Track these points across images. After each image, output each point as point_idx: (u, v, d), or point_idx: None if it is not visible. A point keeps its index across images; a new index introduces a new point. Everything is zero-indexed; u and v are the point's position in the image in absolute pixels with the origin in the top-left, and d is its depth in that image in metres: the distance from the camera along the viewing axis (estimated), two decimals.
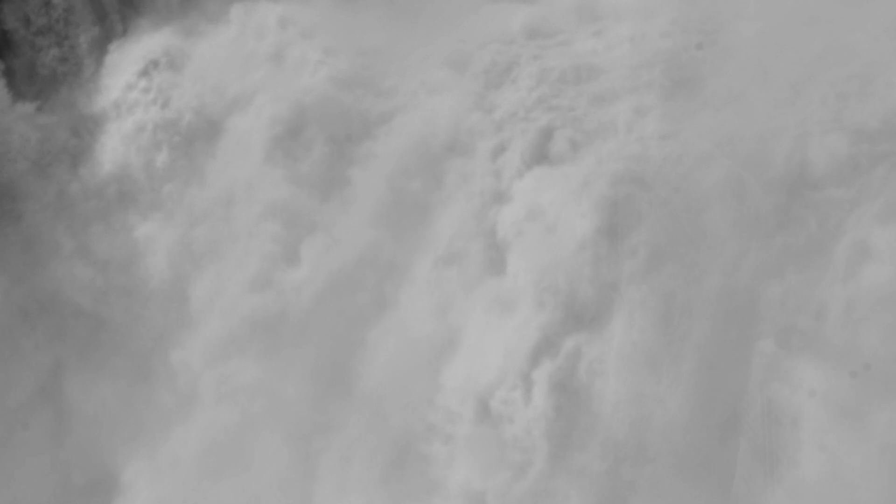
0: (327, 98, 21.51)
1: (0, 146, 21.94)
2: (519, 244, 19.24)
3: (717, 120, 18.05)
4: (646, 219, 17.96)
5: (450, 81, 21.04)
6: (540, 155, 19.79)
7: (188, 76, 22.46)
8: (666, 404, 16.90)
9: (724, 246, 17.20)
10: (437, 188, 20.16)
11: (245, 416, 19.82)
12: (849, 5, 18.42)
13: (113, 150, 22.19)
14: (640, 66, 19.57)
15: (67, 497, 20.96)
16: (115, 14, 23.31)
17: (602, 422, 17.69)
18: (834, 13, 18.42)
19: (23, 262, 21.57)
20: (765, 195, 17.25)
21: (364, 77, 21.65)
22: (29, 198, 21.90)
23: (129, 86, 22.66)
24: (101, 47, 23.08)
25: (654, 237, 17.75)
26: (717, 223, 17.43)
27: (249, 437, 19.69)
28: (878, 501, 14.68)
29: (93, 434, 20.84)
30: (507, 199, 19.68)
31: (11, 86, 22.61)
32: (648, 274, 17.55)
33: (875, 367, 15.04)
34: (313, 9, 22.74)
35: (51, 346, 21.34)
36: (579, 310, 18.46)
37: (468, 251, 19.57)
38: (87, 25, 23.02)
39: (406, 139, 20.73)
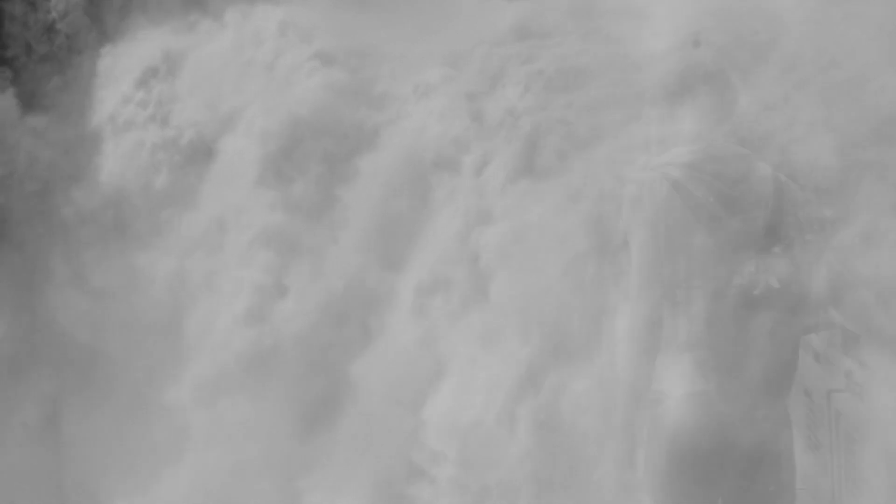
0: (322, 110, 20.43)
1: (5, 166, 21.44)
2: (503, 269, 17.89)
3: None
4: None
5: (442, 87, 19.73)
6: (525, 167, 18.32)
7: (188, 87, 21.62)
8: None
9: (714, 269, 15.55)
10: (424, 207, 18.93)
11: (236, 457, 19.09)
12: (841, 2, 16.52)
13: (109, 171, 21.30)
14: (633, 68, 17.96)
15: None
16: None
17: (588, 462, 16.35)
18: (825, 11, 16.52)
19: (26, 290, 21.20)
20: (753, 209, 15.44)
21: (358, 84, 20.50)
22: (28, 222, 21.44)
23: (125, 98, 21.72)
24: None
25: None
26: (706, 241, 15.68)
27: (239, 479, 18.95)
28: None
29: (88, 469, 20.30)
30: (491, 219, 18.32)
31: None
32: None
33: None
34: (313, 9, 21.59)
35: (51, 377, 20.88)
36: (566, 341, 17.07)
37: (452, 277, 18.30)
38: (91, 52, 22.47)
39: (394, 154, 19.49)
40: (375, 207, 19.25)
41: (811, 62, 17.17)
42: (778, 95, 16.76)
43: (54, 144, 21.61)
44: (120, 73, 21.76)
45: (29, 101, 22.16)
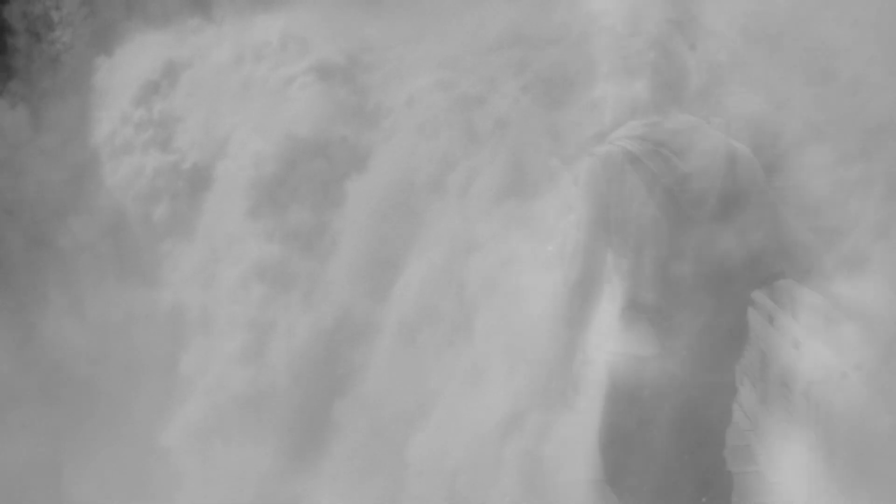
0: (315, 129, 19.41)
1: (14, 192, 20.80)
2: (489, 301, 16.52)
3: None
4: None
5: (434, 96, 18.47)
6: (511, 187, 16.87)
7: (187, 105, 20.73)
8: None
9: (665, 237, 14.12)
10: (411, 234, 17.68)
11: (228, 498, 18.24)
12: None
13: (107, 197, 20.67)
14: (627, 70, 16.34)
15: None
16: None
17: None
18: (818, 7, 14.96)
19: (21, 319, 20.55)
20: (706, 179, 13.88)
21: (352, 98, 19.47)
22: (25, 249, 20.76)
23: (123, 118, 20.91)
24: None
25: None
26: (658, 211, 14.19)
27: None
28: None
29: None
30: (476, 246, 16.93)
31: None
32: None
33: None
34: (312, 15, 20.49)
35: (52, 413, 20.26)
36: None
37: (438, 310, 17.01)
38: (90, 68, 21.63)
39: (384, 177, 18.35)
40: (364, 233, 18.17)
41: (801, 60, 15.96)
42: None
43: (64, 167, 20.99)
44: (118, 86, 20.93)
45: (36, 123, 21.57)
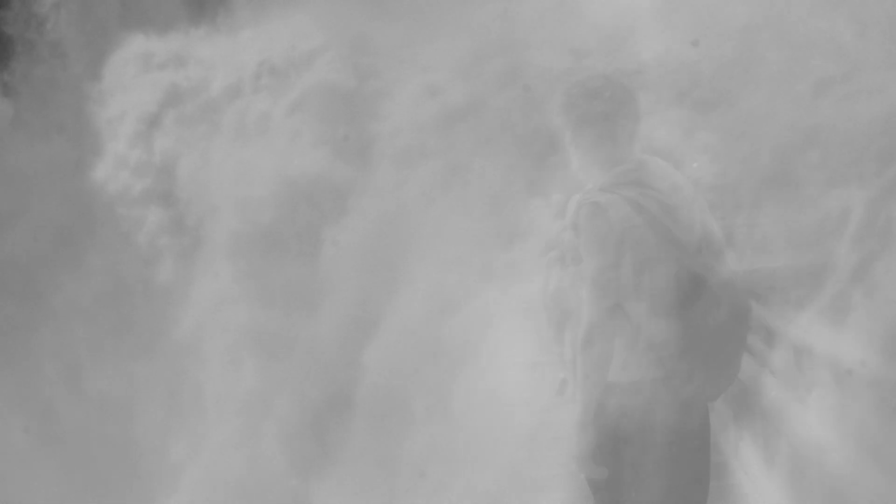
0: (315, 173, 17.47)
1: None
2: (467, 367, 14.07)
3: None
4: None
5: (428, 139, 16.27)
6: (492, 232, 14.25)
7: (196, 140, 19.11)
8: None
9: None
10: (395, 289, 15.37)
11: None
12: None
13: (103, 255, 18.97)
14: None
15: None
16: None
17: None
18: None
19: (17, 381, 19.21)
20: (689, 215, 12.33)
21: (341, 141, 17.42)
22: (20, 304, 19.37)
23: (119, 161, 19.20)
24: None
25: None
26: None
27: None
28: None
29: None
30: (454, 306, 14.42)
31: None
32: None
33: None
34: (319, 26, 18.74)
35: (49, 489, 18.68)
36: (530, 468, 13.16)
37: (414, 378, 14.58)
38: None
39: (368, 225, 16.13)
40: (348, 292, 16.05)
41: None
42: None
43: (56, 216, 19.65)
44: (116, 119, 19.40)
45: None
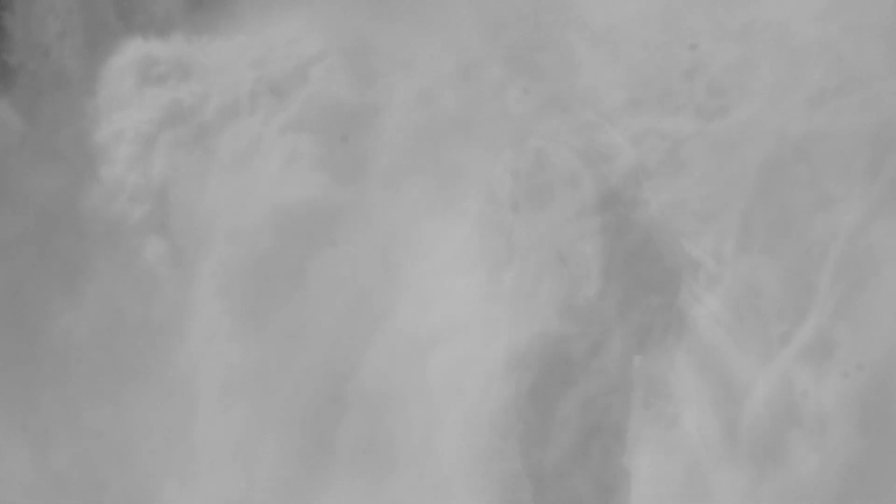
0: (311, 203, 17.29)
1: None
2: (453, 407, 13.79)
3: None
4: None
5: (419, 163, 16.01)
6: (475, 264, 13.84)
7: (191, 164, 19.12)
8: None
9: None
10: (375, 327, 15.08)
11: None
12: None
13: (98, 292, 18.75)
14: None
15: None
16: None
17: None
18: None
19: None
20: None
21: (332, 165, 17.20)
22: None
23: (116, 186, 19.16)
24: None
25: None
26: None
27: None
28: None
29: None
30: (441, 341, 14.07)
31: None
32: None
33: None
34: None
35: None
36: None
37: (396, 421, 14.28)
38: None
39: (364, 254, 15.89)
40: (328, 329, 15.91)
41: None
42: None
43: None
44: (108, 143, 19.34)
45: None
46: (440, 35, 17.18)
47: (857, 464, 12.50)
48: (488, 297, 13.72)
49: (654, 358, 13.37)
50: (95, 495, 18.44)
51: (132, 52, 19.22)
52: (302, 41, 18.81)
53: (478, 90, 16.47)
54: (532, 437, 13.02)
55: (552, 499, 12.73)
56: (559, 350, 13.03)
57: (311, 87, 18.36)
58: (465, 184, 15.43)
